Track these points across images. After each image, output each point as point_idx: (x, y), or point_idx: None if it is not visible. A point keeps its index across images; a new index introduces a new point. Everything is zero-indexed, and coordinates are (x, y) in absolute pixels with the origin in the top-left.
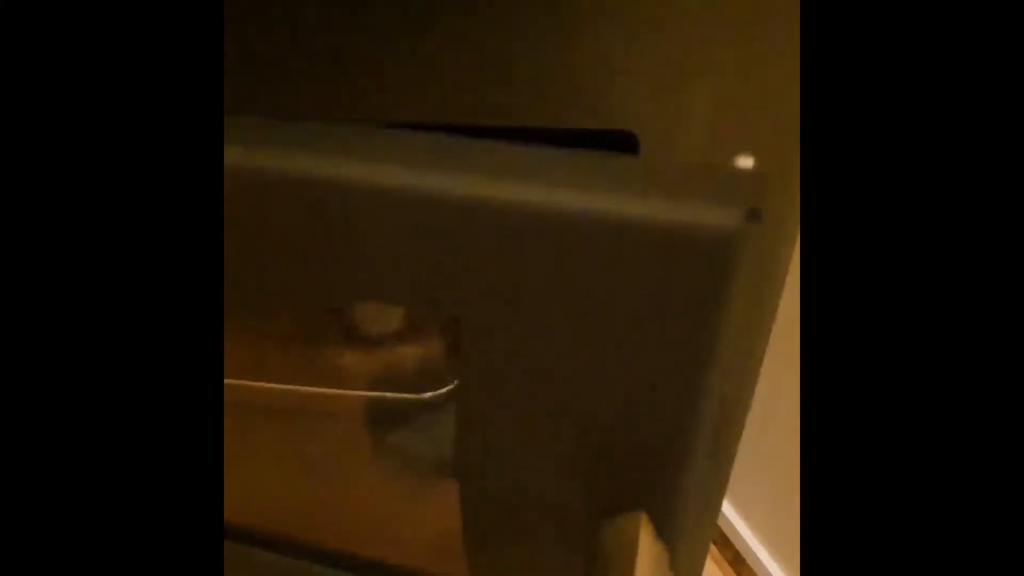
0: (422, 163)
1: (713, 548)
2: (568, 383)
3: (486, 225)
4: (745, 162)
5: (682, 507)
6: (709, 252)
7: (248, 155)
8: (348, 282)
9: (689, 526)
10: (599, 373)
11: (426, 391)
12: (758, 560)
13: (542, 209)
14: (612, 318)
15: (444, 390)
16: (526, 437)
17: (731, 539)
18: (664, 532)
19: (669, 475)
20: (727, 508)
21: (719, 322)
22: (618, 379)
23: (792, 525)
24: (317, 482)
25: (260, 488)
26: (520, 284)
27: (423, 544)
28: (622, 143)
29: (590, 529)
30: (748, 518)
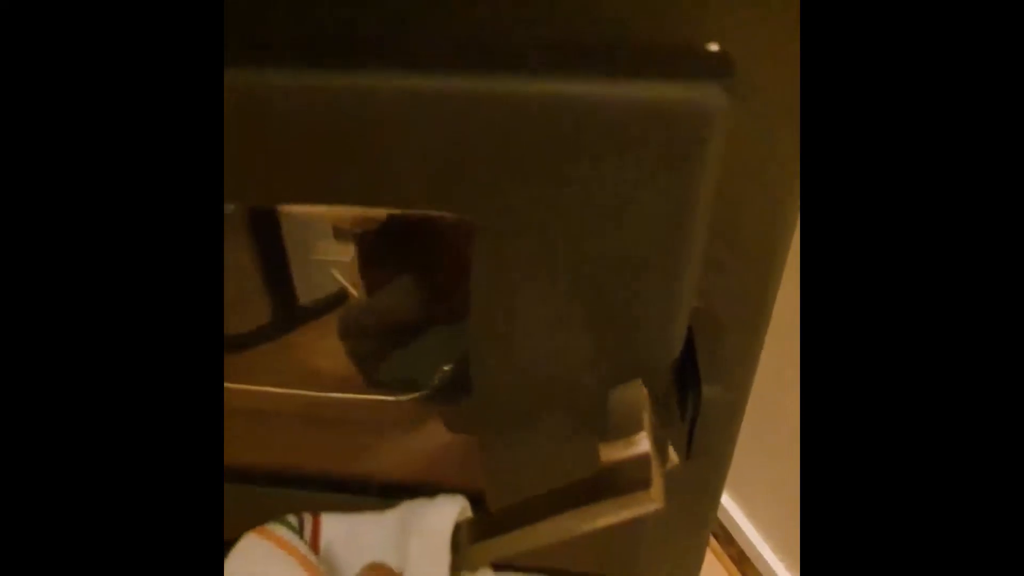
0: (417, 64)
1: (717, 546)
2: (574, 259)
3: (497, 119)
4: (713, 47)
5: (670, 372)
6: (696, 124)
7: (264, 73)
8: (365, 184)
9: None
10: (601, 246)
11: (405, 394)
12: (761, 557)
13: (547, 99)
14: (610, 194)
15: (422, 393)
16: (538, 320)
17: (735, 537)
18: (659, 397)
19: (662, 339)
20: (731, 506)
21: (701, 185)
22: (619, 248)
23: (797, 523)
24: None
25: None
26: (526, 171)
27: (427, 458)
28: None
29: (598, 402)
30: (753, 516)
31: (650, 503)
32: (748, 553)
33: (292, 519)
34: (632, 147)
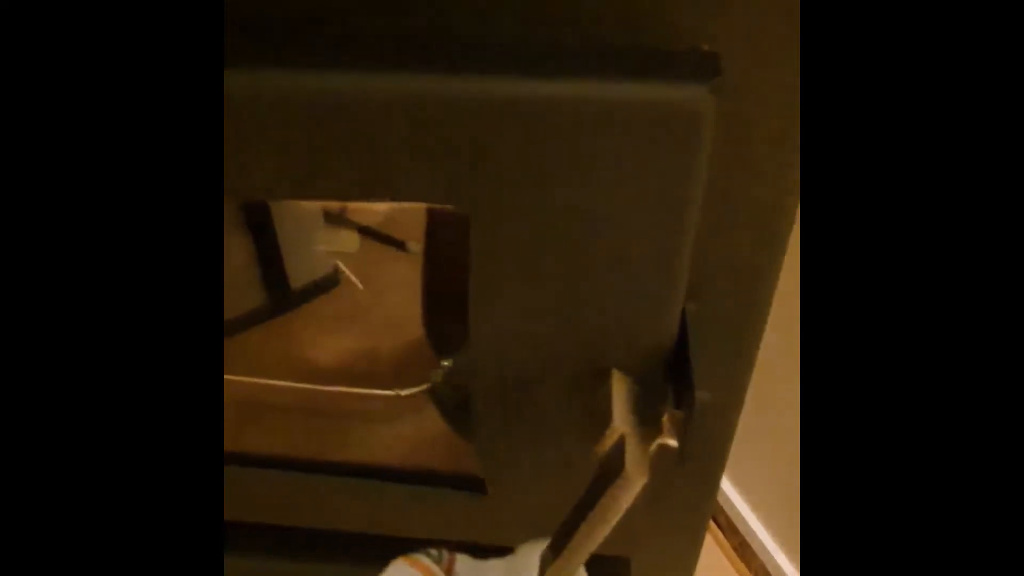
0: (421, 67)
1: (719, 535)
2: (567, 253)
3: (491, 118)
4: (704, 47)
5: (661, 363)
6: (683, 124)
7: (277, 77)
8: (371, 181)
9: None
10: (593, 240)
11: (404, 389)
12: (763, 547)
13: (539, 99)
14: (601, 191)
15: (420, 388)
16: (532, 311)
17: (737, 526)
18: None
19: (651, 334)
20: (733, 495)
21: (689, 184)
22: (609, 243)
23: (799, 513)
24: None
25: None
26: (518, 167)
27: (419, 445)
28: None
29: (587, 390)
30: (755, 506)
31: (631, 483)
32: (750, 542)
33: (434, 551)
34: (620, 146)
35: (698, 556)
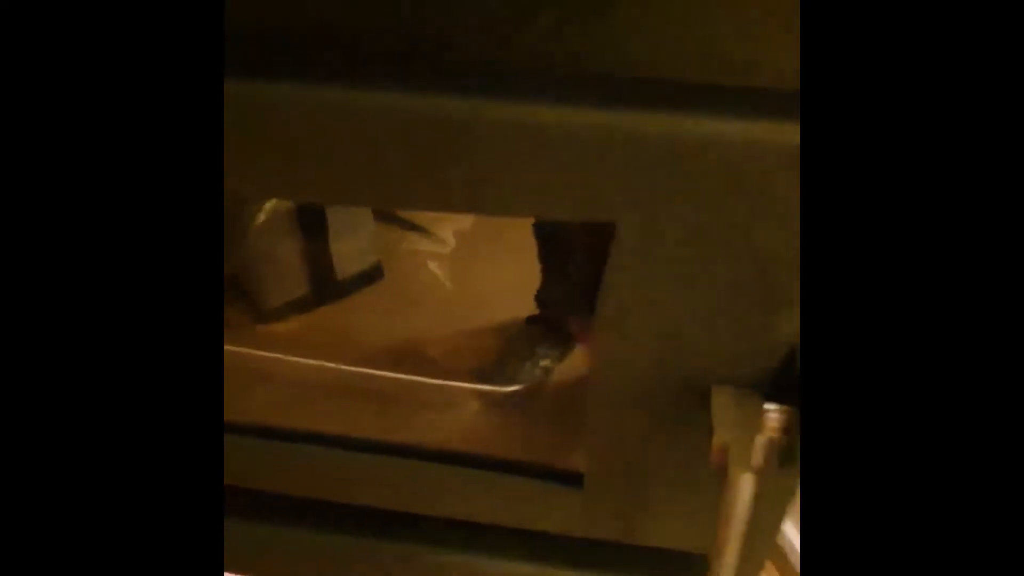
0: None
1: None
2: (695, 274)
3: (642, 151)
4: None
5: (771, 375)
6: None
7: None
8: (532, 200)
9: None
10: (726, 261)
11: (508, 385)
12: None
13: (691, 138)
14: (734, 220)
15: (522, 386)
16: (658, 324)
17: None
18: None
19: (762, 347)
20: None
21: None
22: (740, 263)
23: None
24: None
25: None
26: (671, 197)
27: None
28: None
29: (697, 400)
30: (795, 516)
31: (734, 484)
32: (790, 557)
33: None
34: (759, 181)
35: (767, 556)
